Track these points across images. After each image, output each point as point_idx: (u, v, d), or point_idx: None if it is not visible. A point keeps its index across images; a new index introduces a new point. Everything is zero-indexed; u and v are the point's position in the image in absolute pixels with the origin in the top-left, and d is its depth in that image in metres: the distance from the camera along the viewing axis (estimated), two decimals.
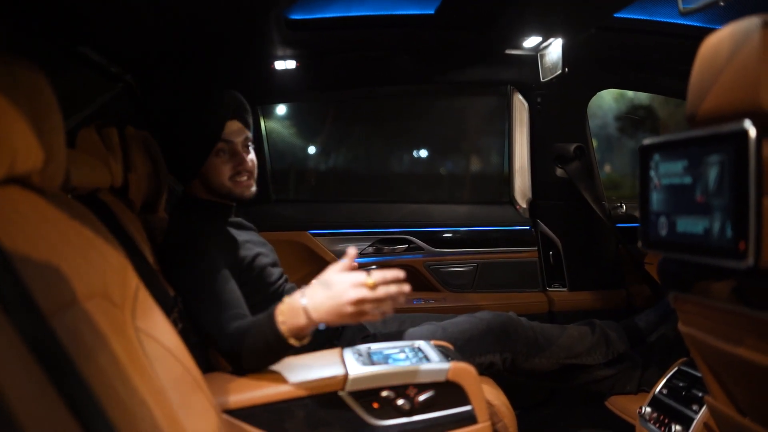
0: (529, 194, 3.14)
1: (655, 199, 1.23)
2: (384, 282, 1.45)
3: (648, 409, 1.95)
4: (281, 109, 3.44)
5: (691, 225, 1.12)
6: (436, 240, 3.03)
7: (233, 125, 1.95)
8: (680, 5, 1.50)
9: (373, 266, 2.20)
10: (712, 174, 1.05)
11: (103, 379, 0.91)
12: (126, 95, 2.41)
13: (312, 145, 3.66)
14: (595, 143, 3.10)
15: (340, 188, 3.53)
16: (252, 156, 2.02)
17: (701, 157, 1.08)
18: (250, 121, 2.03)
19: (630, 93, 3.77)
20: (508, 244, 3.08)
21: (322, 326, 1.52)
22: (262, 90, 2.85)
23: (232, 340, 1.61)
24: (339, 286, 1.46)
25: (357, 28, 2.47)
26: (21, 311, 0.70)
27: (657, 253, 1.34)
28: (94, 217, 1.25)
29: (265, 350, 1.55)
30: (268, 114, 3.29)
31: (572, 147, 2.94)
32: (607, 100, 4.05)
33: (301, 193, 3.54)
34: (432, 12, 2.32)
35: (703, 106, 1.08)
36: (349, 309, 1.44)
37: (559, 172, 3.03)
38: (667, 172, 1.18)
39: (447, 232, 3.06)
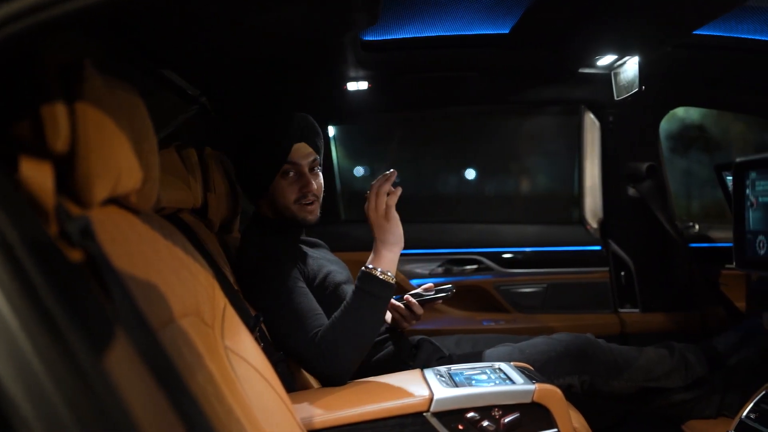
0: (599, 214, 3.08)
1: (752, 217, 1.20)
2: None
3: None
4: (350, 131, 3.46)
5: None
6: (505, 260, 3.00)
7: (301, 147, 1.98)
8: None
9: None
10: None
11: (202, 397, 0.92)
12: (200, 116, 2.46)
13: (378, 165, 3.67)
14: None
15: (408, 209, 3.52)
16: (320, 180, 2.04)
17: None
18: (321, 144, 2.06)
19: (680, 112, 3.71)
20: (578, 265, 3.03)
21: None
22: (333, 111, 2.87)
23: (320, 342, 1.68)
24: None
25: (430, 48, 2.47)
26: (135, 327, 0.71)
27: (753, 273, 1.29)
28: (183, 237, 1.27)
29: (367, 314, 1.72)
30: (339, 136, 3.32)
31: (644, 166, 2.89)
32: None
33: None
34: (506, 32, 2.32)
35: None
36: (376, 214, 1.74)
37: (631, 191, 2.98)
38: (767, 190, 1.15)
39: (516, 252, 3.03)
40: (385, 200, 1.73)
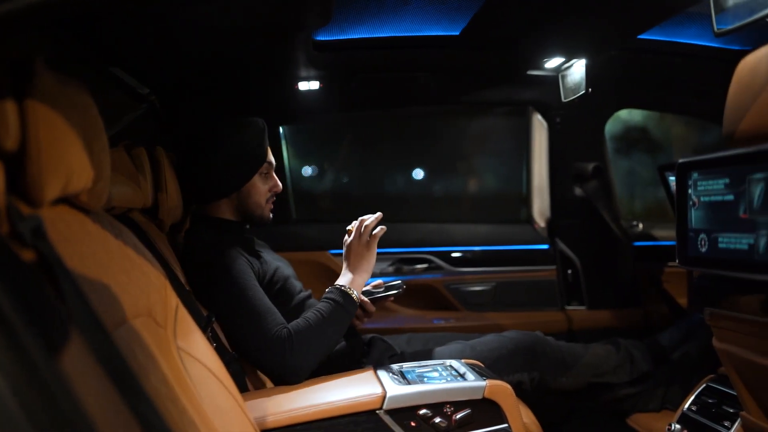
0: (547, 213, 3.14)
1: (694, 216, 1.24)
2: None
3: (677, 426, 1.94)
4: (300, 131, 3.45)
5: (733, 241, 1.12)
6: (455, 259, 3.03)
7: (269, 149, 2.06)
8: (714, 27, 1.51)
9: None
10: (757, 191, 1.05)
11: (156, 398, 0.92)
12: (150, 116, 2.42)
13: (329, 165, 3.66)
14: None
15: (358, 209, 3.52)
16: None
17: (744, 175, 1.08)
18: None
19: (623, 114, 3.80)
20: (526, 263, 3.07)
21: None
22: (284, 111, 2.85)
23: (289, 338, 1.72)
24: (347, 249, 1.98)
25: (382, 48, 2.47)
26: (89, 328, 0.70)
27: (695, 270, 1.33)
28: (134, 237, 1.26)
29: (337, 323, 1.83)
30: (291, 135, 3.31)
31: (590, 166, 2.95)
32: None
33: (321, 213, 3.54)
34: (457, 33, 2.34)
35: (742, 126, 1.08)
36: (359, 242, 1.95)
37: (577, 191, 3.04)
38: (707, 190, 1.19)
39: (466, 251, 3.06)
40: (370, 231, 1.96)
